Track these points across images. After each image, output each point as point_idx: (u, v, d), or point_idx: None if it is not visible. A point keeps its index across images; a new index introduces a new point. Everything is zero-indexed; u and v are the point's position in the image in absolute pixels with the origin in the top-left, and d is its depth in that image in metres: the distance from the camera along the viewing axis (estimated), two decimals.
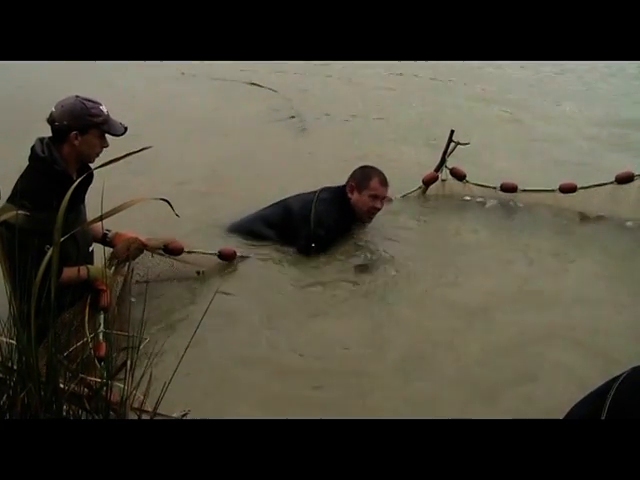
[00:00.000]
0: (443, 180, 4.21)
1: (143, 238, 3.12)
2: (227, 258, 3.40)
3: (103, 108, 2.83)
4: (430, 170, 4.24)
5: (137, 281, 3.10)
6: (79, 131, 2.75)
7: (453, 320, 3.05)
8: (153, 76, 6.75)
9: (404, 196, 4.22)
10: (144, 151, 2.38)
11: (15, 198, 2.58)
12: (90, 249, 2.99)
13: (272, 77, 6.85)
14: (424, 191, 4.26)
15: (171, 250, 3.23)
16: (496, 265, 3.55)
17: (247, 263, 3.50)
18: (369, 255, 3.63)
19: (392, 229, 3.90)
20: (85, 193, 2.83)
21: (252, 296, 3.25)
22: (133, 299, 2.93)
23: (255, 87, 6.64)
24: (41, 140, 2.78)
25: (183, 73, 6.90)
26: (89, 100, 2.81)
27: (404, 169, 4.48)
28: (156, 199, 3.54)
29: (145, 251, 3.14)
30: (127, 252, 3.00)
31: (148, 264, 3.20)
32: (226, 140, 5.10)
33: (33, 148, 2.78)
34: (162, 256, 3.23)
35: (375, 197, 3.74)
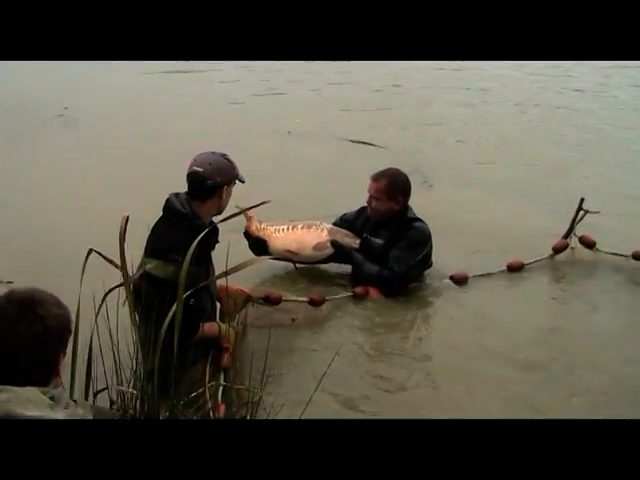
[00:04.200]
0: (572, 248, 4.26)
1: (247, 289, 3.30)
2: (317, 304, 3.62)
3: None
4: (557, 237, 4.29)
5: (243, 330, 3.29)
6: (227, 185, 3.00)
7: None
8: (260, 133, 6.98)
9: (534, 263, 4.20)
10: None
11: (161, 253, 2.82)
12: (216, 302, 3.17)
13: (373, 133, 6.96)
14: (552, 256, 4.26)
15: (272, 300, 3.48)
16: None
17: (337, 308, 3.70)
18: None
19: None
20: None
21: (351, 346, 3.40)
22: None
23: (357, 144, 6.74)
24: (176, 195, 2.97)
25: (289, 132, 7.10)
26: (225, 154, 3.05)
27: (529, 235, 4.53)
28: (276, 258, 3.79)
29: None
30: (235, 305, 3.19)
31: (255, 315, 3.43)
32: (346, 194, 5.06)
33: (170, 204, 2.95)
34: (262, 305, 3.47)
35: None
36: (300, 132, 7.02)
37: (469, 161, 6.24)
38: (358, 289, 3.77)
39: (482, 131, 7.29)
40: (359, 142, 6.70)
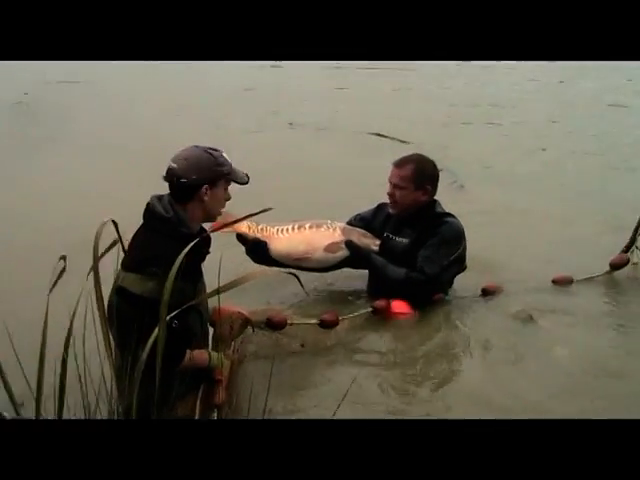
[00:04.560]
0: (634, 264, 3.91)
1: (246, 311, 2.93)
2: (330, 325, 3.23)
3: (226, 155, 2.70)
4: (615, 252, 3.90)
5: (241, 359, 2.96)
6: (209, 184, 2.60)
7: None
8: (259, 126, 6.62)
9: (587, 279, 3.79)
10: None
11: (139, 266, 2.49)
12: (208, 325, 2.85)
13: (392, 126, 6.55)
14: (609, 273, 3.87)
15: (275, 324, 3.12)
16: None
17: (354, 329, 3.30)
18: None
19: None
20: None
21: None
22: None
23: (377, 138, 6.34)
24: (159, 198, 2.62)
25: (291, 124, 6.75)
26: (211, 148, 2.67)
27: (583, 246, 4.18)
28: (284, 272, 3.32)
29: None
30: (231, 330, 2.84)
31: (256, 342, 3.10)
32: (360, 196, 4.65)
33: (151, 208, 2.60)
34: (263, 330, 3.12)
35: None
36: (303, 123, 6.67)
37: (503, 158, 5.84)
38: (378, 303, 3.32)
39: (518, 125, 6.91)
40: (377, 135, 6.29)
